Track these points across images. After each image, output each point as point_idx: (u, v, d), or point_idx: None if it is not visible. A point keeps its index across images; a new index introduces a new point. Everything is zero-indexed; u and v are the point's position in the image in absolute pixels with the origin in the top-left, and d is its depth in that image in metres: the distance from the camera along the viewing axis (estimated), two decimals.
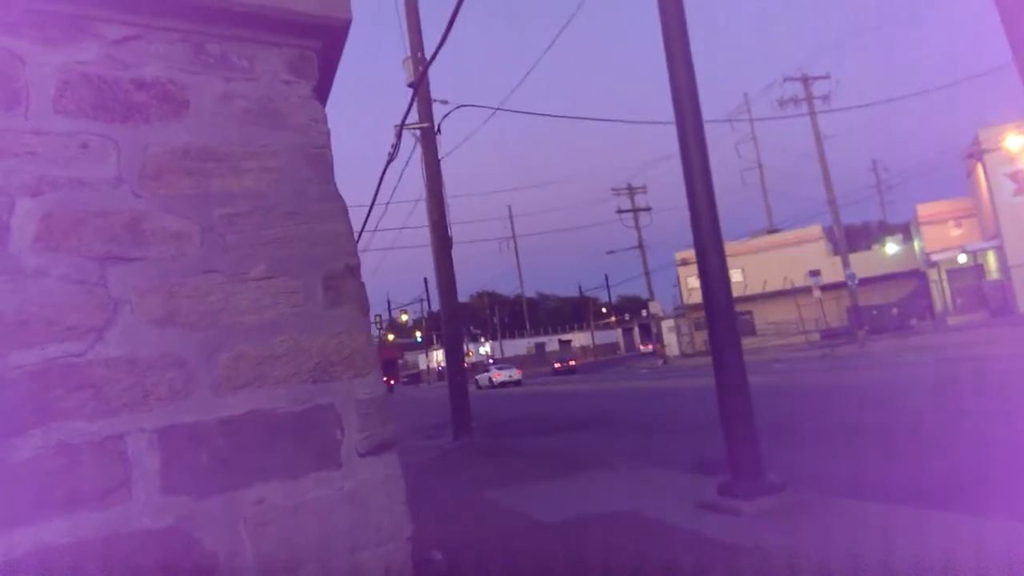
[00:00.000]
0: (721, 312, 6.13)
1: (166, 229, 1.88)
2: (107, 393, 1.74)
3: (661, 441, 10.74)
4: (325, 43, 2.22)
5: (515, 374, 42.03)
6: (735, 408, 5.88)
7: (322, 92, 2.33)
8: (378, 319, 60.88)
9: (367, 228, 19.64)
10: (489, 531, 6.17)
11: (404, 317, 47.22)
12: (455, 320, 13.83)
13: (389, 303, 71.44)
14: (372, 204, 16.56)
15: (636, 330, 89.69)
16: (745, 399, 5.89)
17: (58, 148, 1.79)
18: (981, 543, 3.92)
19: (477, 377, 43.35)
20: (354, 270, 2.13)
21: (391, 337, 62.28)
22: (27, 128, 1.77)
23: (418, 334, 32.58)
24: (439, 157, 13.96)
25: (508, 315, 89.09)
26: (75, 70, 1.82)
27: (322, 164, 2.15)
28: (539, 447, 11.55)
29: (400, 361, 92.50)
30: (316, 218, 2.10)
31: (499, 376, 41.97)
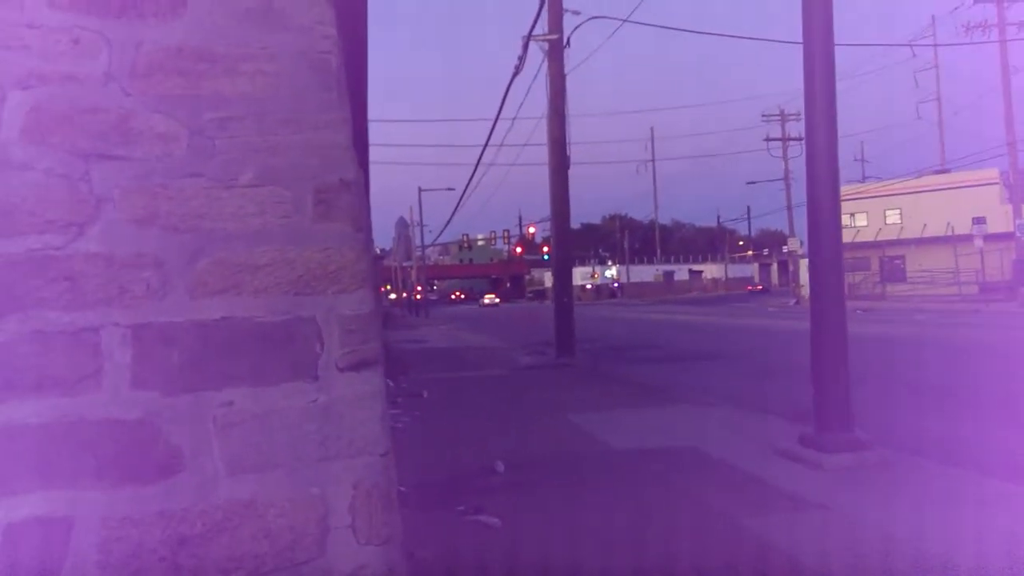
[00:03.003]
0: (826, 250, 5.66)
1: (153, 129, 1.89)
2: (84, 287, 1.80)
3: (765, 383, 10.34)
4: None
5: None
6: (827, 357, 5.50)
7: None
8: (506, 234, 61.57)
9: (492, 143, 19.60)
10: (560, 451, 6.23)
11: (532, 230, 47.33)
12: (565, 243, 13.71)
13: (520, 218, 72.02)
14: (497, 118, 16.45)
15: (775, 266, 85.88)
16: (840, 347, 5.49)
17: (50, 42, 1.81)
18: None
19: None
20: (349, 185, 2.07)
21: (519, 251, 63.04)
22: (22, 21, 1.80)
23: (545, 250, 32.76)
24: (565, 72, 13.55)
25: (640, 240, 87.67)
26: None
27: (325, 70, 2.07)
28: (637, 375, 11.45)
29: (527, 277, 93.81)
30: (313, 127, 2.04)
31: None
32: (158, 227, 1.88)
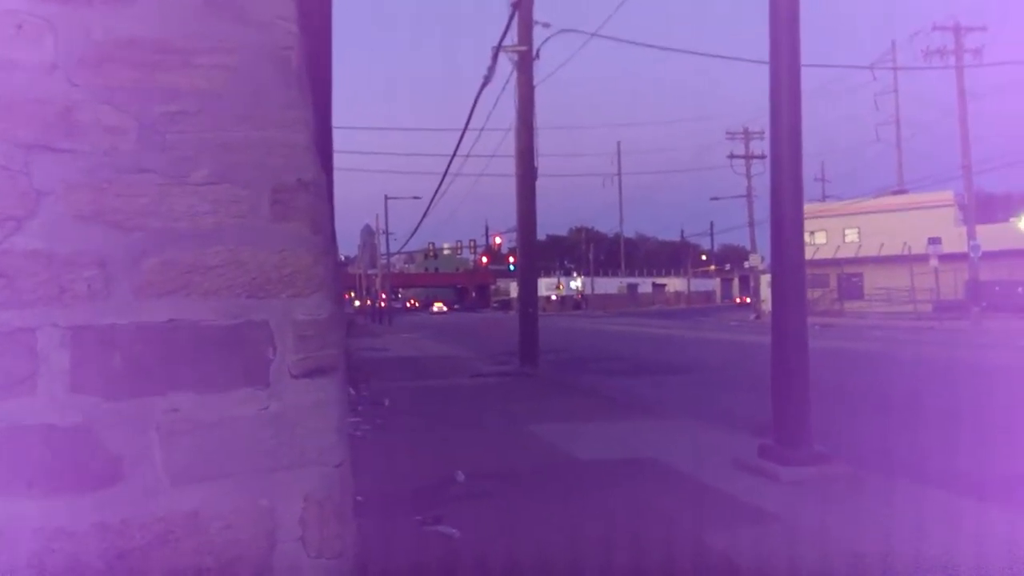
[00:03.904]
0: (789, 264, 5.72)
1: (101, 122, 1.80)
2: (21, 285, 1.70)
3: (725, 396, 10.43)
4: None
5: None
6: (787, 370, 5.55)
7: None
8: (472, 244, 61.47)
9: (459, 152, 19.58)
10: (521, 461, 6.17)
11: (498, 240, 47.37)
12: (531, 253, 13.70)
13: (487, 229, 71.96)
14: (465, 128, 16.42)
15: (736, 281, 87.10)
16: (800, 361, 5.54)
17: None
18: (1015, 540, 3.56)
19: None
20: (308, 185, 2.01)
21: (484, 261, 63.05)
22: None
23: (511, 260, 32.65)
24: (534, 84, 13.57)
25: (604, 252, 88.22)
26: None
27: (285, 67, 2.00)
28: (601, 387, 11.46)
29: (492, 287, 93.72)
30: (272, 125, 1.97)
31: None
32: (103, 224, 1.79)
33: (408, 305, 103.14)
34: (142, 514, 1.76)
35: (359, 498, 3.94)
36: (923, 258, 33.42)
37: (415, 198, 44.35)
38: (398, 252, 66.12)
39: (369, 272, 53.22)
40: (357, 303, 62.09)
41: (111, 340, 1.76)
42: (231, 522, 1.83)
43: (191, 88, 1.91)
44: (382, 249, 52.60)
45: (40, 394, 1.70)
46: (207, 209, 1.89)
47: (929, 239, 32.16)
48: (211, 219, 1.90)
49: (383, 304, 54.42)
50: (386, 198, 53.50)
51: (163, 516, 1.78)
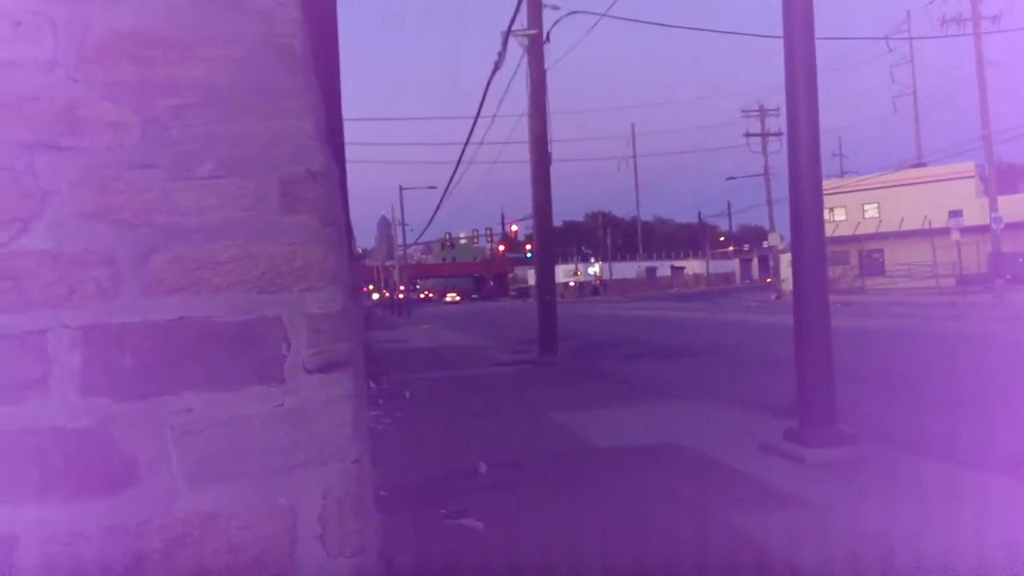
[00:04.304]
0: (808, 242, 5.62)
1: (103, 118, 1.77)
2: (29, 287, 1.68)
3: (748, 378, 10.33)
4: None
5: None
6: (810, 350, 5.46)
7: None
8: (488, 232, 61.33)
9: (472, 140, 19.49)
10: (542, 450, 6.14)
11: (514, 228, 47.17)
12: (547, 240, 13.62)
13: (503, 216, 71.84)
14: (477, 115, 16.33)
15: (755, 261, 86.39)
16: (823, 341, 5.45)
17: None
18: None
19: None
20: (317, 176, 1.96)
21: (501, 249, 62.87)
22: None
23: (528, 248, 32.49)
24: (545, 68, 13.45)
25: (621, 237, 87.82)
26: None
27: (288, 55, 1.95)
28: (621, 372, 11.39)
29: (510, 275, 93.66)
30: (277, 115, 1.92)
31: None
32: (109, 222, 1.75)
33: (422, 296, 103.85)
34: (159, 516, 1.74)
35: (381, 492, 3.92)
36: (944, 232, 32.93)
37: (430, 188, 44.29)
38: (415, 243, 66.21)
39: (387, 264, 53.31)
40: (376, 295, 62.21)
41: (121, 339, 1.74)
42: (249, 522, 1.80)
43: (193, 80, 1.86)
44: (399, 240, 52.70)
45: (52, 397, 1.68)
46: (214, 203, 1.85)
47: (950, 212, 31.67)
48: (219, 213, 1.86)
49: (401, 296, 54.58)
50: (401, 189, 53.53)
51: (181, 518, 1.75)
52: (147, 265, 1.78)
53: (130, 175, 1.78)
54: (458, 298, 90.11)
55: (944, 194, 39.30)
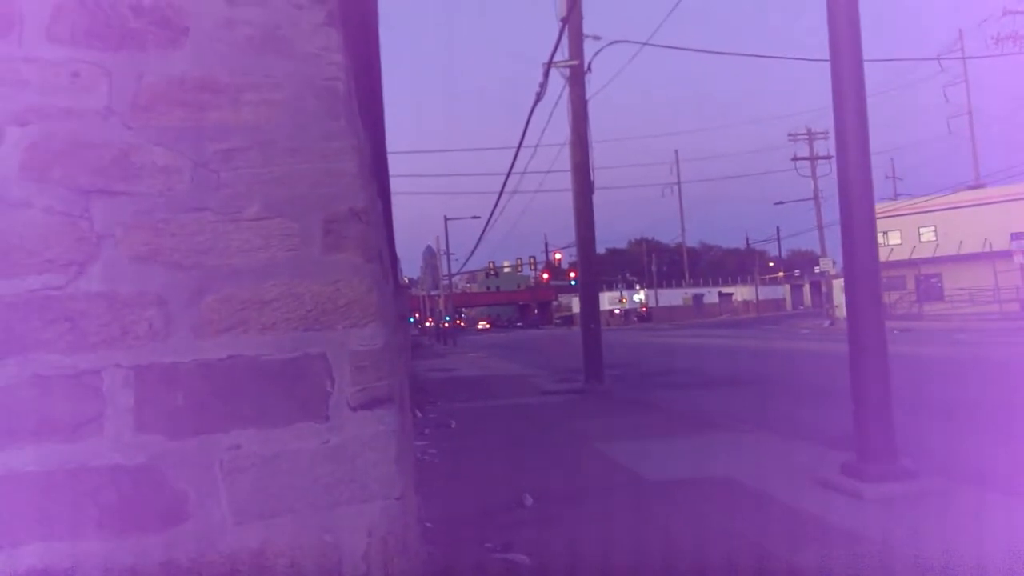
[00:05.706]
0: (862, 267, 5.48)
1: (155, 163, 1.83)
2: (85, 328, 1.73)
3: (802, 408, 10.06)
4: None
5: None
6: (867, 380, 5.29)
7: (351, 14, 2.18)
8: (532, 260, 61.50)
9: (515, 170, 19.63)
10: (590, 482, 6.05)
11: (558, 255, 47.20)
12: (591, 268, 13.57)
13: (547, 244, 71.95)
14: (520, 145, 16.47)
15: (807, 287, 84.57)
16: (881, 369, 5.28)
17: (48, 76, 1.77)
18: None
19: None
20: (359, 214, 1.99)
21: (545, 277, 62.87)
22: (19, 55, 1.75)
23: (572, 275, 32.47)
24: (586, 97, 13.53)
25: (667, 263, 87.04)
26: None
27: (332, 98, 2.00)
28: (669, 402, 11.21)
29: (554, 303, 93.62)
30: (320, 157, 1.97)
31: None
32: (161, 264, 1.81)
33: (458, 323, 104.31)
34: (208, 553, 1.76)
35: (428, 524, 3.90)
36: (1006, 254, 31.79)
37: (474, 217, 44.68)
38: (459, 272, 66.74)
39: (432, 293, 53.75)
40: (423, 324, 62.68)
41: (173, 378, 1.78)
42: (295, 559, 1.81)
43: (241, 124, 1.92)
44: (444, 270, 53.17)
45: (107, 435, 1.72)
46: (260, 244, 1.90)
47: (1012, 234, 30.58)
48: (265, 254, 1.90)
49: (446, 324, 54.94)
50: (446, 219, 54.14)
51: (229, 554, 1.77)
52: (197, 306, 1.82)
53: (181, 218, 1.84)
54: (488, 326, 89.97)
55: (1005, 216, 38.01)
